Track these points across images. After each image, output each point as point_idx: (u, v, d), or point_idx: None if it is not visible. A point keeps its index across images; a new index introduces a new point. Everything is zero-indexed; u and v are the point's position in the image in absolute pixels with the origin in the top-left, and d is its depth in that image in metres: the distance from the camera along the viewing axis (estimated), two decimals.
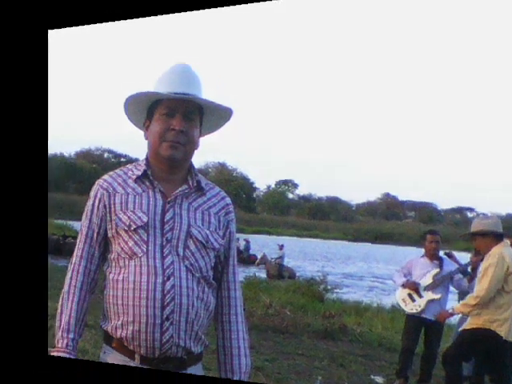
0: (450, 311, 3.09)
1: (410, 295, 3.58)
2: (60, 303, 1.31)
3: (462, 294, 3.48)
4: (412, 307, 3.57)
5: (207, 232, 1.33)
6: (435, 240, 3.63)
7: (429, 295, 3.51)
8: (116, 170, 1.39)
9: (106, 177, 1.38)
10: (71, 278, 1.33)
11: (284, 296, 7.56)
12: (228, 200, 1.41)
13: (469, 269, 3.53)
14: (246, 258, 13.76)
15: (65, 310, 1.30)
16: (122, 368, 1.31)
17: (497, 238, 2.70)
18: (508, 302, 2.64)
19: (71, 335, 1.28)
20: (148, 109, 1.36)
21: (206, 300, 1.32)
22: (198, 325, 1.30)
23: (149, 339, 1.26)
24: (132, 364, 1.29)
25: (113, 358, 1.30)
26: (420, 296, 3.54)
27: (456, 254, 3.90)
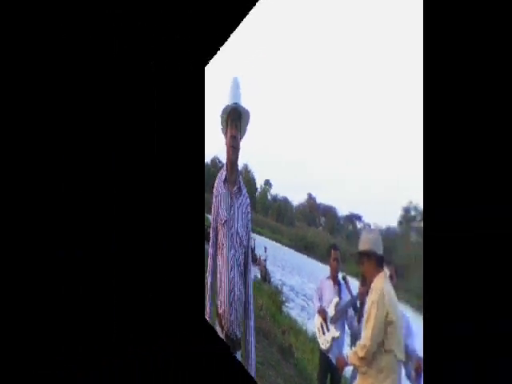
0: (346, 359, 2.23)
1: (321, 325, 2.73)
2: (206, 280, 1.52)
3: (354, 338, 2.52)
4: (322, 341, 2.71)
5: (242, 229, 1.51)
6: (336, 257, 2.69)
7: (332, 331, 2.66)
8: (219, 174, 1.59)
9: (216, 180, 1.57)
10: (209, 260, 1.55)
11: (267, 301, 7.47)
12: (248, 200, 1.55)
13: (358, 303, 2.56)
14: (253, 257, 13.51)
15: (207, 285, 1.52)
16: (219, 338, 1.58)
17: (378, 263, 1.91)
18: (387, 366, 1.81)
19: (210, 305, 1.55)
20: (226, 120, 1.57)
21: (241, 292, 1.51)
22: (238, 314, 1.51)
23: (226, 319, 1.44)
24: (221, 336, 1.54)
25: (217, 327, 1.54)
26: (328, 329, 2.70)
27: (350, 280, 2.74)
